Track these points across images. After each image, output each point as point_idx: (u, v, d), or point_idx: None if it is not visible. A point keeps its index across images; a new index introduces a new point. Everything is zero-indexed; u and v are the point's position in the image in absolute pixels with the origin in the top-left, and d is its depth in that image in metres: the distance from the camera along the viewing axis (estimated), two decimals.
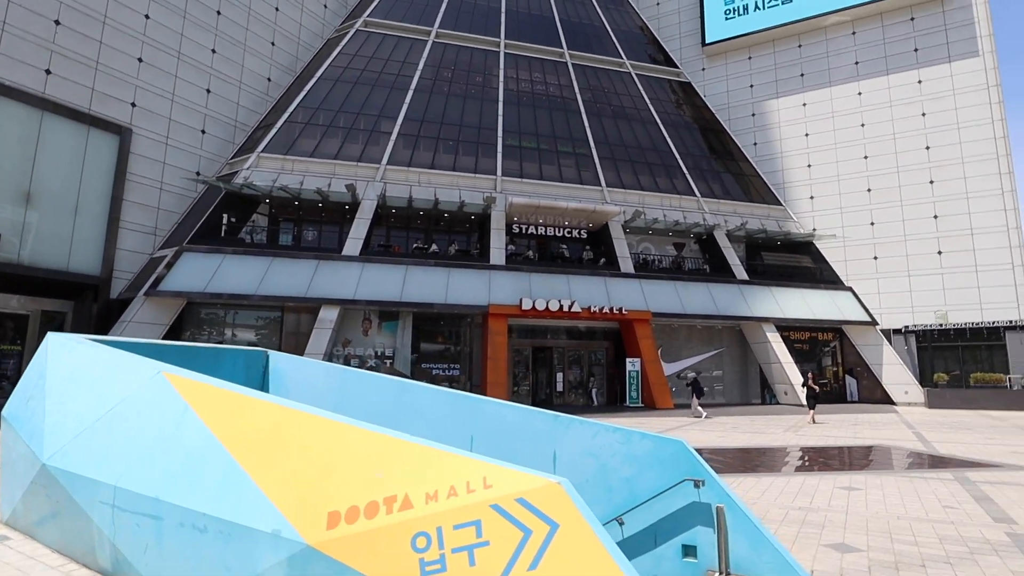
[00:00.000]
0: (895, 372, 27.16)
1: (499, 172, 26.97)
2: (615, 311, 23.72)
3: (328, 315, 21.41)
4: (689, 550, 4.05)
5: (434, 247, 25.45)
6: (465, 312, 23.21)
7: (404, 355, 23.58)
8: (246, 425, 3.89)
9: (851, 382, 28.26)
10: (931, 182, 29.45)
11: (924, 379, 27.33)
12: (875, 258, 29.96)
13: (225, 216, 23.10)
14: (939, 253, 28.89)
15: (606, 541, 2.58)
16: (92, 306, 20.57)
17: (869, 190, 30.65)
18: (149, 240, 22.51)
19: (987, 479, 8.16)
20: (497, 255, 24.61)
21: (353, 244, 23.21)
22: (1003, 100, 28.89)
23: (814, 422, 17.37)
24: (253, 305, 21.94)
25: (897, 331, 28.82)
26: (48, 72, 19.73)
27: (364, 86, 27.81)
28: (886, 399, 26.90)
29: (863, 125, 31.28)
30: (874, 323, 27.74)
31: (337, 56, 28.38)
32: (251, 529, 3.42)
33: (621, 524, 4.16)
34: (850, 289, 28.98)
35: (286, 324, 22.80)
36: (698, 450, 11.22)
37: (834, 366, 28.74)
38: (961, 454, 10.78)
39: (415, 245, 25.55)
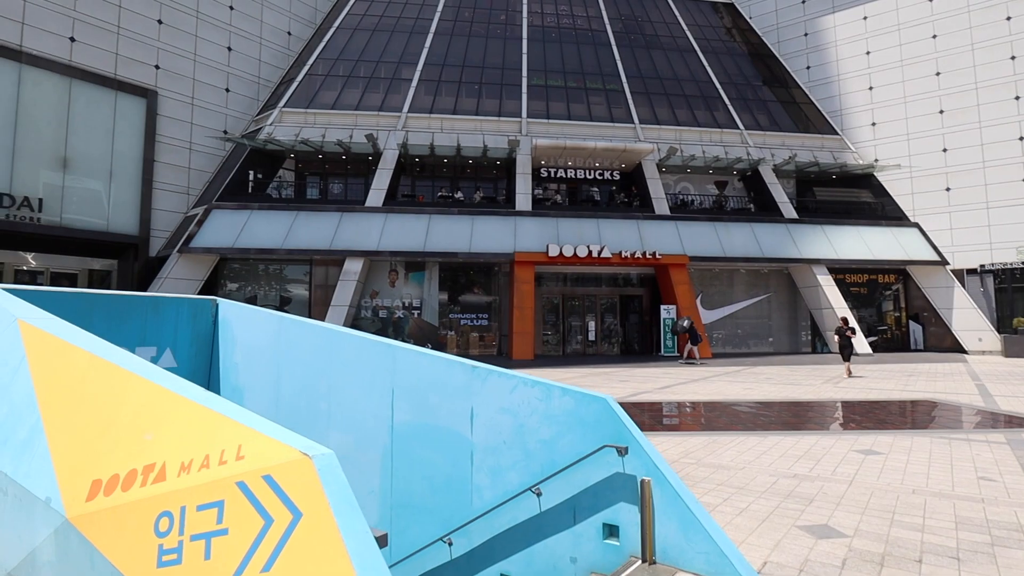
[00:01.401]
0: (967, 317, 24.75)
1: (524, 114, 25.88)
2: (648, 255, 22.60)
3: (352, 267, 21.53)
4: (612, 530, 3.43)
5: (459, 195, 24.94)
6: (490, 260, 22.77)
7: (432, 306, 23.55)
8: (61, 376, 3.60)
9: (916, 328, 26.03)
10: (1017, 98, 25.92)
11: (1003, 325, 24.72)
12: (947, 189, 26.97)
13: (251, 172, 23.44)
14: None
15: (356, 545, 1.74)
16: (134, 264, 21.55)
17: (941, 112, 27.39)
18: (183, 199, 23.20)
19: None
20: (523, 200, 23.84)
21: (376, 195, 23.06)
22: None
23: (850, 375, 15.50)
24: (280, 259, 22.36)
25: (972, 271, 26.05)
26: (72, 40, 20.23)
27: (383, 33, 27.11)
28: (956, 347, 24.64)
29: (935, 37, 27.75)
30: (944, 262, 25.21)
31: (355, 4, 27.73)
32: (32, 495, 3.06)
33: (538, 495, 3.62)
34: (916, 225, 26.36)
35: (315, 276, 23.16)
36: (715, 403, 10.51)
37: (896, 311, 26.50)
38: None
39: (440, 194, 25.14)
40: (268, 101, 25.74)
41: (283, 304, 23.37)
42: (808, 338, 25.90)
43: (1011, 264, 24.82)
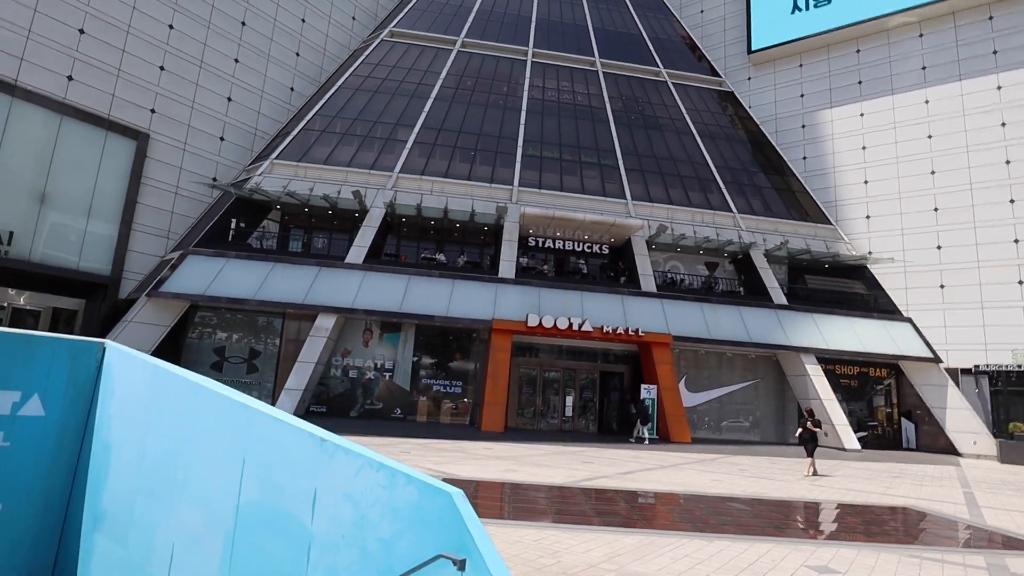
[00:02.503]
0: (962, 418, 23.71)
1: (516, 182, 25.87)
2: (631, 332, 21.88)
3: (324, 323, 20.84)
4: None
5: (441, 257, 24.54)
6: (468, 326, 22.08)
7: (404, 368, 22.69)
8: None
9: (908, 426, 24.92)
10: (1011, 201, 25.82)
11: (999, 429, 23.61)
12: (941, 286, 26.48)
13: (234, 221, 23.19)
14: (1020, 283, 25.16)
15: None
16: (101, 305, 20.94)
17: (936, 209, 27.28)
18: (161, 243, 22.86)
19: None
20: (507, 268, 23.39)
21: (357, 252, 22.68)
22: None
23: (815, 473, 14.06)
24: (251, 310, 21.73)
25: (967, 371, 25.18)
26: (70, 78, 20.47)
27: (384, 95, 27.59)
28: (950, 449, 23.48)
29: (930, 137, 28.02)
30: (937, 360, 24.39)
31: (359, 66, 28.38)
32: None
33: None
34: (909, 320, 25.71)
35: (287, 330, 22.45)
36: (674, 495, 9.55)
37: (888, 407, 25.45)
38: (1015, 529, 8.41)
39: (423, 256, 24.76)
40: (262, 152, 25.88)
41: (251, 357, 22.56)
42: (795, 428, 24.68)
43: (1007, 366, 23.95)
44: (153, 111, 22.76)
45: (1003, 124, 26.74)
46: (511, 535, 5.88)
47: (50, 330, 20.61)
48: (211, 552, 3.61)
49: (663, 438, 21.48)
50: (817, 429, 14.61)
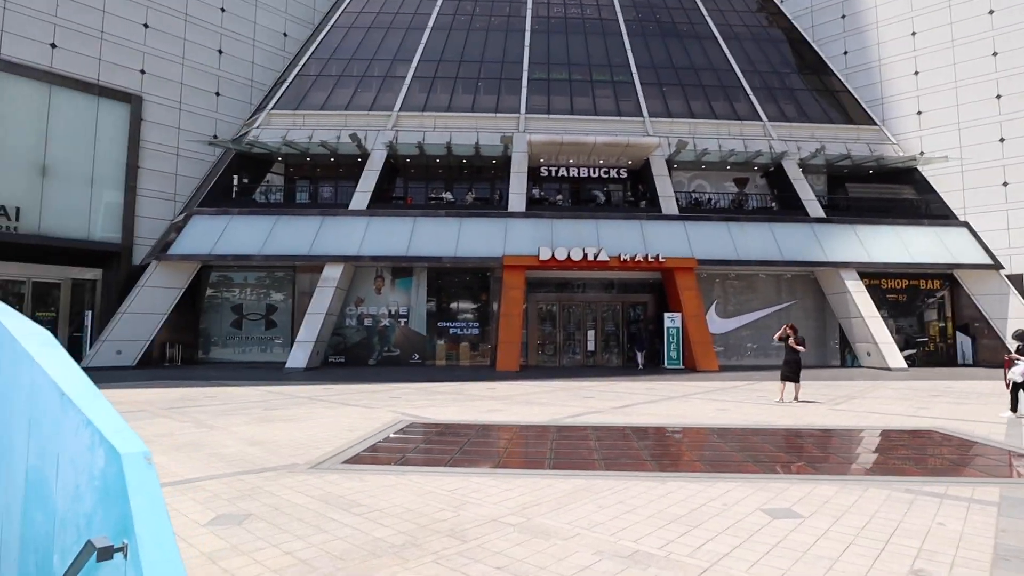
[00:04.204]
0: None
1: (523, 109, 24.34)
2: (651, 259, 20.61)
3: (332, 273, 20.54)
4: None
5: (449, 196, 23.61)
6: (478, 265, 21.38)
7: (419, 313, 22.35)
8: None
9: (964, 341, 22.93)
10: None
11: None
12: (1005, 184, 23.69)
13: (236, 177, 22.86)
14: None
15: None
16: (118, 272, 21.26)
17: (999, 96, 24.11)
18: (170, 206, 22.84)
19: None
20: (516, 201, 22.30)
21: (360, 197, 22.04)
22: None
23: (798, 399, 11.88)
24: (260, 266, 21.65)
25: None
26: (53, 46, 20.09)
27: (379, 30, 26.16)
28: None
29: (991, 12, 24.46)
30: (998, 266, 22.08)
31: (351, 1, 26.86)
32: None
33: None
34: (965, 224, 23.26)
35: (299, 283, 22.39)
36: (660, 429, 8.70)
37: (941, 321, 23.44)
38: None
39: (431, 196, 23.90)
40: (261, 104, 25.18)
41: (269, 313, 22.70)
42: (838, 350, 23.22)
43: None
44: (143, 72, 22.26)
45: None
46: (428, 485, 5.25)
47: (72, 300, 21.21)
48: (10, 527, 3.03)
49: (689, 368, 20.53)
50: (801, 348, 12.01)
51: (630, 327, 22.95)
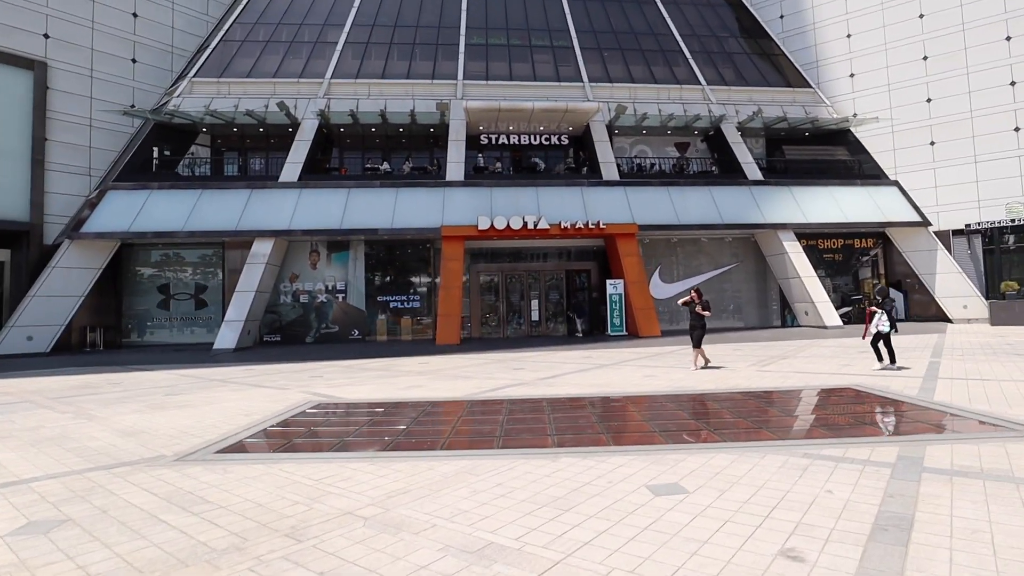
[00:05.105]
0: (951, 282, 22.37)
1: (460, 76, 23.66)
2: (592, 225, 20.43)
3: (261, 248, 19.67)
4: None
5: (386, 167, 22.86)
6: (416, 236, 20.80)
7: (358, 288, 21.69)
8: None
9: (897, 296, 23.65)
10: (1007, 38, 23.15)
11: (992, 290, 22.28)
12: (931, 143, 24.36)
13: (157, 150, 21.54)
14: (1016, 130, 22.99)
15: None
16: (27, 253, 19.86)
17: (925, 58, 24.67)
18: (84, 181, 21.42)
19: (960, 463, 4.65)
20: (455, 170, 21.74)
21: (291, 169, 21.12)
22: None
23: (706, 365, 11.52)
24: (184, 243, 20.56)
25: (959, 232, 23.52)
26: None
27: None
28: (941, 316, 22.30)
29: None
30: (925, 223, 22.78)
31: None
32: None
33: None
34: (895, 183, 23.88)
35: (229, 260, 21.41)
36: (577, 400, 8.24)
37: (875, 278, 24.13)
38: (963, 404, 7.09)
39: (367, 167, 23.09)
40: (182, 72, 23.74)
41: (199, 292, 21.64)
42: (779, 310, 23.67)
43: (1000, 222, 22.31)
44: (47, 36, 20.62)
45: None
46: (297, 474, 4.82)
47: None
48: None
49: (632, 334, 20.56)
50: (706, 313, 11.58)
51: (573, 296, 22.87)
